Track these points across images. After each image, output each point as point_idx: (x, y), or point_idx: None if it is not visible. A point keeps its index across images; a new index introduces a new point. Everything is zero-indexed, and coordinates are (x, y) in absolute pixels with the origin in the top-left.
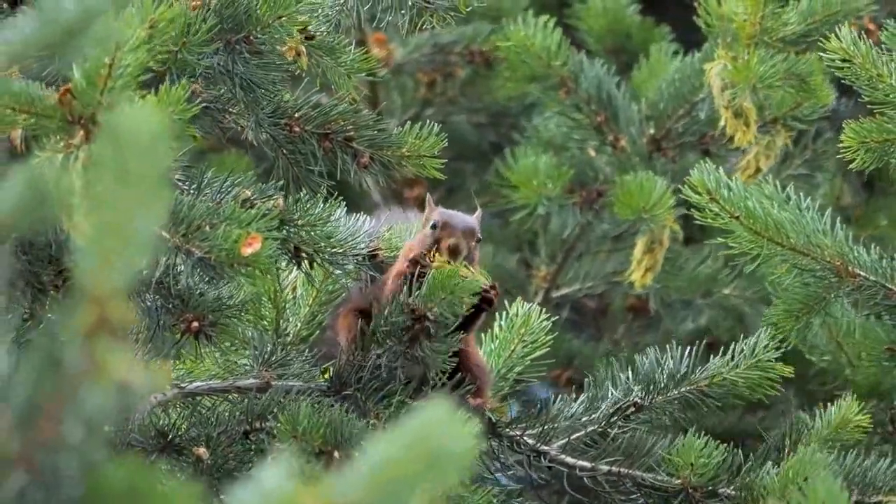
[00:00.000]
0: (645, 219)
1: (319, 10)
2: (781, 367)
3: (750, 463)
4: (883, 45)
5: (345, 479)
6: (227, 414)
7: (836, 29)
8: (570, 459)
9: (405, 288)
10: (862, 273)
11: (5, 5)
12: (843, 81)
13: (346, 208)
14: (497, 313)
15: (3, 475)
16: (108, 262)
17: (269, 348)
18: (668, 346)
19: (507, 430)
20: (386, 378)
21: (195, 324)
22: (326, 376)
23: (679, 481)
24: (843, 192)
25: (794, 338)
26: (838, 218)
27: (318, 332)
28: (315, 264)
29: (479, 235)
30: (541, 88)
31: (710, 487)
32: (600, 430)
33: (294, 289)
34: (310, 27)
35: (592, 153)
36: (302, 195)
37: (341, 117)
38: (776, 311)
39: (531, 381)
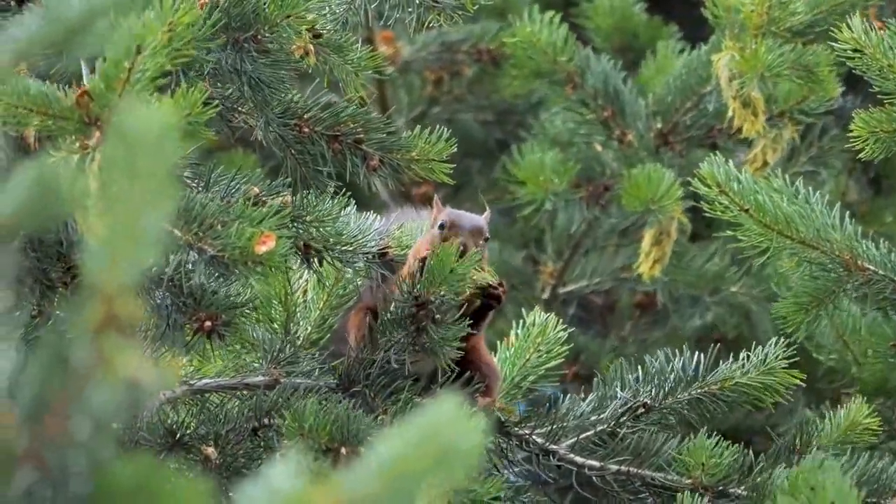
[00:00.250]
0: (653, 210)
1: (327, 8)
2: (794, 374)
3: (761, 464)
4: (886, 43)
5: (353, 476)
6: (235, 411)
7: (847, 19)
8: (579, 459)
9: (409, 281)
10: (871, 267)
11: (13, 3)
12: (850, 76)
13: (355, 206)
14: (512, 320)
15: (10, 472)
16: (116, 260)
17: (278, 346)
18: (677, 348)
19: (516, 429)
20: (395, 372)
21: (208, 323)
22: (336, 373)
23: (690, 481)
24: (848, 188)
25: (803, 331)
26: (847, 213)
27: (328, 335)
28: (325, 262)
29: (486, 234)
30: (547, 84)
31: (720, 488)
32: (609, 429)
33: (305, 292)
34: (317, 25)
35: (599, 148)
36: (310, 193)
37: (351, 119)
38: (785, 304)
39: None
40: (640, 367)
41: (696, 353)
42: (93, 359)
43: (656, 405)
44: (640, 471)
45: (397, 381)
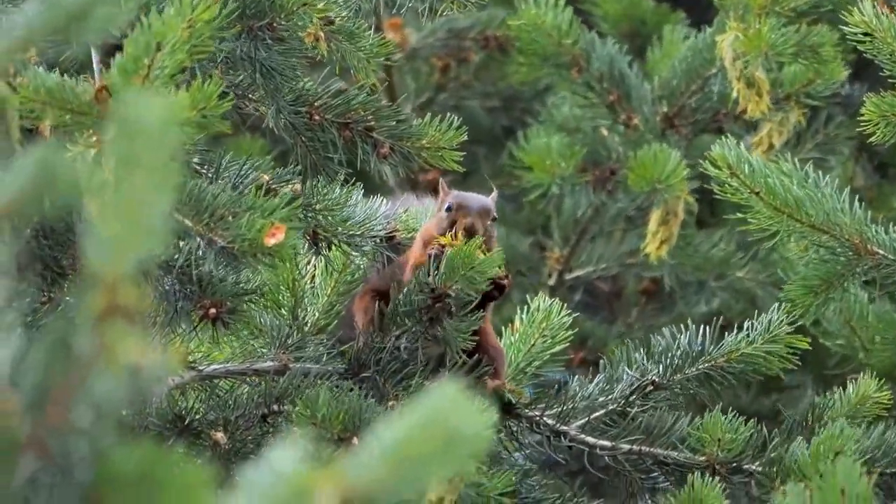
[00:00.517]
0: (659, 189)
1: None
2: (798, 339)
3: (776, 438)
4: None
5: (357, 461)
6: (245, 397)
7: (858, 2)
8: (590, 439)
9: (424, 269)
10: (880, 251)
11: None
12: (857, 64)
13: (363, 192)
14: (517, 305)
15: (13, 460)
16: (118, 249)
17: (286, 332)
18: (682, 325)
19: (527, 410)
20: (406, 359)
21: (213, 310)
22: (345, 358)
23: (704, 458)
24: (855, 174)
25: (812, 315)
26: (857, 197)
27: (335, 321)
28: (333, 247)
29: (494, 214)
30: (553, 68)
31: (734, 464)
32: (619, 409)
33: (312, 278)
34: (330, 12)
35: (605, 133)
36: (319, 180)
37: (362, 107)
38: (794, 288)
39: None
40: (644, 347)
41: (702, 326)
42: (95, 347)
43: (665, 382)
44: (652, 449)
45: (408, 367)
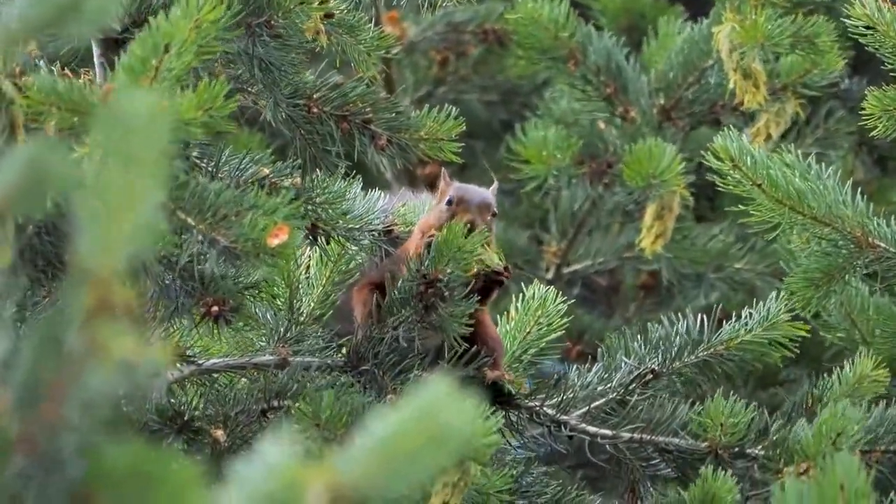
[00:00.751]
0: (654, 184)
1: None
2: (798, 326)
3: (778, 421)
4: None
5: (348, 456)
6: (244, 392)
7: None
8: (591, 428)
9: (418, 258)
10: (882, 244)
11: None
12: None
13: (362, 185)
14: (513, 295)
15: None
16: (108, 244)
17: (283, 325)
18: (681, 314)
19: (527, 401)
20: (404, 350)
21: (215, 308)
22: (343, 351)
23: (706, 443)
24: (855, 168)
25: (813, 307)
26: (858, 189)
27: (331, 311)
28: (331, 240)
29: (494, 209)
30: (550, 61)
31: (737, 448)
32: (619, 398)
33: (307, 268)
34: (330, 5)
35: (603, 126)
36: (319, 174)
37: (360, 99)
38: (795, 280)
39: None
40: (643, 336)
41: (700, 314)
42: (86, 343)
43: (664, 371)
44: (653, 437)
45: (407, 360)
